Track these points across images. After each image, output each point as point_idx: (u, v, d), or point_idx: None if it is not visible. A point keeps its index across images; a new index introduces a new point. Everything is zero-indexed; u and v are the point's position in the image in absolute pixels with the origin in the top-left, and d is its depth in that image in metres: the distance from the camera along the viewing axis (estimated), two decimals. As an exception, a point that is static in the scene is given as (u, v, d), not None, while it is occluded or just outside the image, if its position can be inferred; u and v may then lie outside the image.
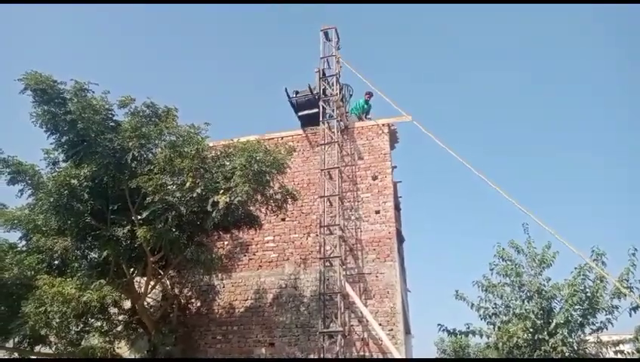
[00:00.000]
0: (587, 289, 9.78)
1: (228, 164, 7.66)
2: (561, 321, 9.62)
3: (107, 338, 8.81)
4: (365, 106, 11.21)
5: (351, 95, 11.46)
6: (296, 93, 11.07)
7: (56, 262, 8.38)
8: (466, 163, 8.96)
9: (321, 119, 10.49)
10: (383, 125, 10.47)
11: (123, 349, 9.45)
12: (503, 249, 10.85)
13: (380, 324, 8.56)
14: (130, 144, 7.43)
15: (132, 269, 8.61)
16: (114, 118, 7.88)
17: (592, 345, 10.06)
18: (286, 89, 10.98)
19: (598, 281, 9.85)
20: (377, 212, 9.73)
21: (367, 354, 8.56)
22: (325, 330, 8.57)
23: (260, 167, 7.22)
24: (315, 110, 10.66)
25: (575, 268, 10.08)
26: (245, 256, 10.17)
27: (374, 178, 10.04)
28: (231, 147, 8.05)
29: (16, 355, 9.14)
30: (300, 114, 10.95)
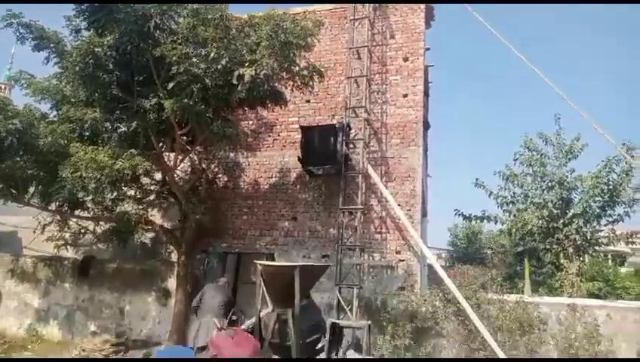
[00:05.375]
0: (610, 182, 9.75)
1: (253, 34, 7.32)
2: (579, 211, 9.78)
3: (140, 206, 9.36)
4: None
5: None
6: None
7: (87, 133, 8.60)
8: (507, 42, 8.38)
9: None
10: (420, -2, 9.64)
11: (156, 217, 10.11)
12: (531, 139, 10.69)
13: (399, 205, 8.82)
14: (152, 11, 7.10)
15: (160, 144, 8.82)
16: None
17: (605, 235, 10.31)
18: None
19: (624, 175, 9.77)
20: (405, 95, 9.46)
21: (384, 230, 8.99)
22: (345, 207, 8.90)
23: (287, 38, 6.88)
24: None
25: (602, 161, 9.96)
26: (270, 136, 10.26)
27: (405, 59, 9.57)
28: (256, 17, 7.63)
29: (58, 218, 9.92)
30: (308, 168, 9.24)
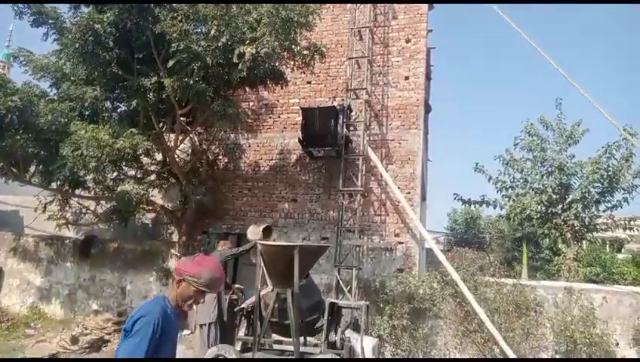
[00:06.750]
0: (610, 168, 9.74)
1: (254, 11, 7.23)
2: (578, 197, 9.79)
3: (141, 186, 9.35)
4: None
5: None
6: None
7: (87, 112, 8.56)
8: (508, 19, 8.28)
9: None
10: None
11: (157, 197, 10.12)
12: (532, 124, 10.65)
13: (399, 188, 8.84)
14: (152, -14, 7.01)
15: (161, 124, 8.80)
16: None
17: (604, 221, 10.33)
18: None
19: (624, 161, 9.76)
20: (407, 78, 9.40)
21: (383, 213, 9.02)
22: (345, 189, 8.92)
23: (288, 14, 6.79)
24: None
25: (602, 147, 9.94)
26: (270, 117, 10.22)
27: (407, 41, 9.48)
28: (257, -5, 7.52)
29: (59, 197, 9.94)
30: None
